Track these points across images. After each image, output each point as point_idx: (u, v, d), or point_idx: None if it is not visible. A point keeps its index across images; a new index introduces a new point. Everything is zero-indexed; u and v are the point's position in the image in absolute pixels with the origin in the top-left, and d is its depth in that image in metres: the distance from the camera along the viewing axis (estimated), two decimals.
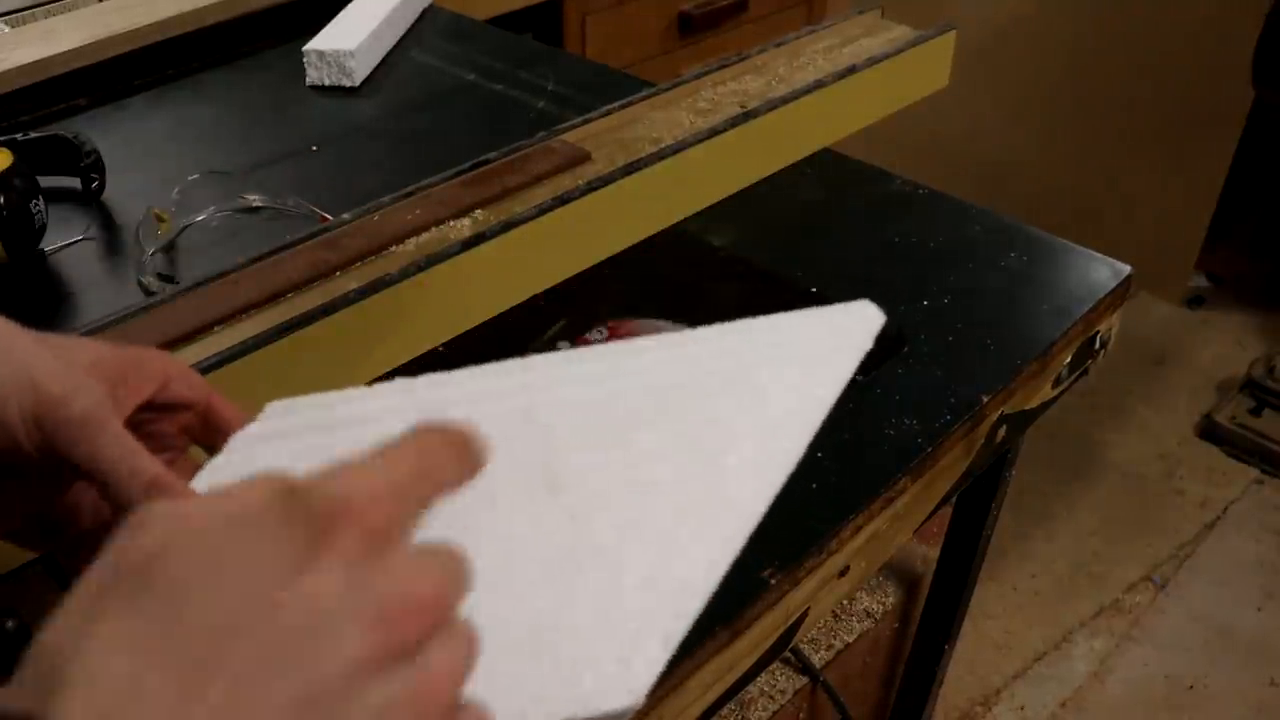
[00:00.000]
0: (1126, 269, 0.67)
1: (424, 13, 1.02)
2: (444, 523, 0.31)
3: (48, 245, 0.69)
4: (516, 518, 0.33)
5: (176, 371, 0.37)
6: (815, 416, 0.35)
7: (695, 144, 0.67)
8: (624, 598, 0.30)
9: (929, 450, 0.53)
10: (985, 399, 0.56)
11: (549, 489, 0.34)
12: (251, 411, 0.40)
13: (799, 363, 0.37)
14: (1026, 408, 0.61)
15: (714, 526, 0.32)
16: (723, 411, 0.35)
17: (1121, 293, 0.66)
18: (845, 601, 0.82)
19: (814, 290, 0.64)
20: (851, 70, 0.75)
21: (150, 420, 0.38)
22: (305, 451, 0.36)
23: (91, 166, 0.73)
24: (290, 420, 0.38)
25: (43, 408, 0.33)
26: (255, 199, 0.72)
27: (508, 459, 0.34)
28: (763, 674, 0.76)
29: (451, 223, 0.62)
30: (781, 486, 0.33)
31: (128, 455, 0.33)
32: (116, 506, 0.33)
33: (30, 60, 0.82)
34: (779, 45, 0.81)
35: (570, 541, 0.32)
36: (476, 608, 0.29)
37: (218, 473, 0.37)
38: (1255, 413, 1.68)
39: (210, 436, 0.39)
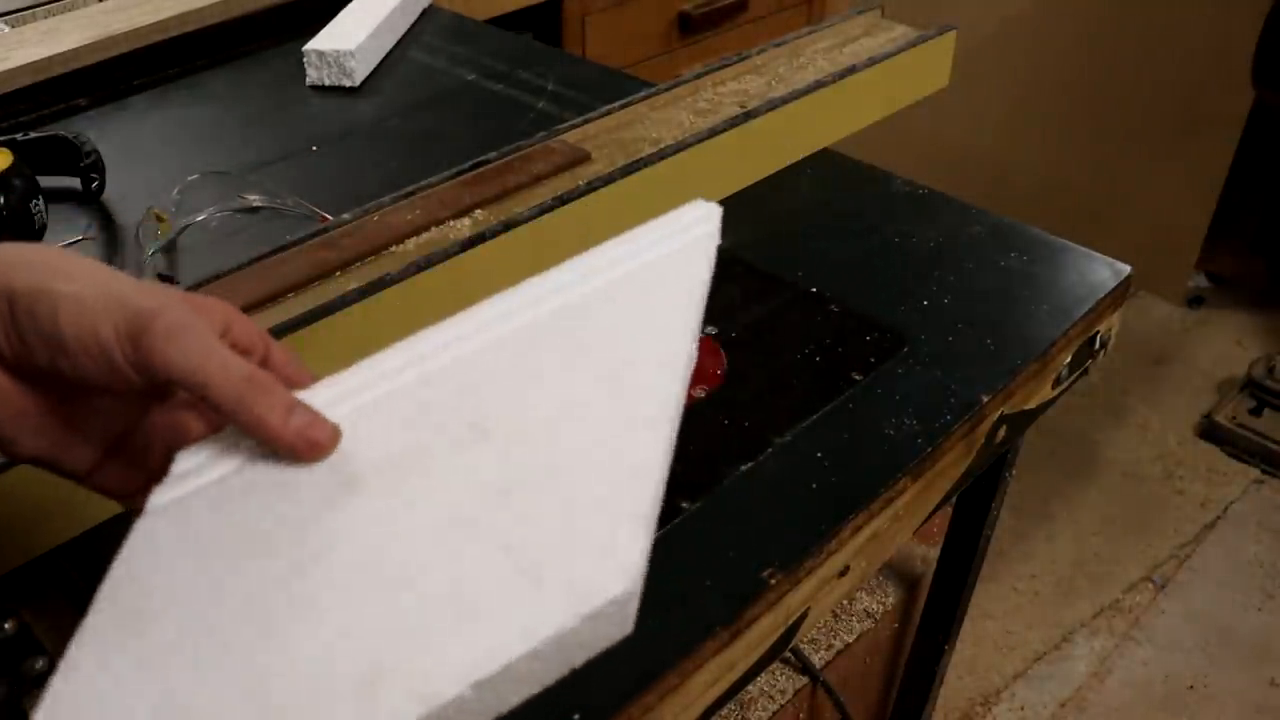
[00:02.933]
0: (1126, 269, 0.67)
1: (424, 13, 1.02)
2: (385, 487, 0.34)
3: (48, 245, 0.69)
4: (455, 469, 0.34)
5: (238, 317, 0.38)
6: (694, 310, 0.38)
7: (695, 144, 0.67)
8: (584, 500, 0.31)
9: (929, 450, 0.53)
10: (985, 399, 0.57)
11: (477, 437, 0.35)
12: None
13: (661, 267, 0.40)
14: (1026, 408, 0.61)
15: (644, 417, 0.34)
16: (610, 321, 0.38)
17: (1121, 293, 0.66)
18: (845, 601, 0.82)
19: (814, 290, 0.64)
20: (851, 70, 0.75)
21: None
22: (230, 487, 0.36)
23: (91, 166, 0.73)
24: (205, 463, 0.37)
25: (136, 322, 0.33)
26: (255, 199, 0.73)
27: (431, 422, 0.36)
28: (763, 674, 0.76)
29: (451, 223, 0.62)
30: (688, 372, 0.36)
31: (220, 354, 0.34)
32: (216, 409, 0.34)
33: (31, 60, 0.82)
34: (779, 45, 0.81)
35: (513, 473, 0.33)
36: (447, 553, 0.31)
37: None
38: (1255, 413, 1.68)
39: None
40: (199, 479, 0.36)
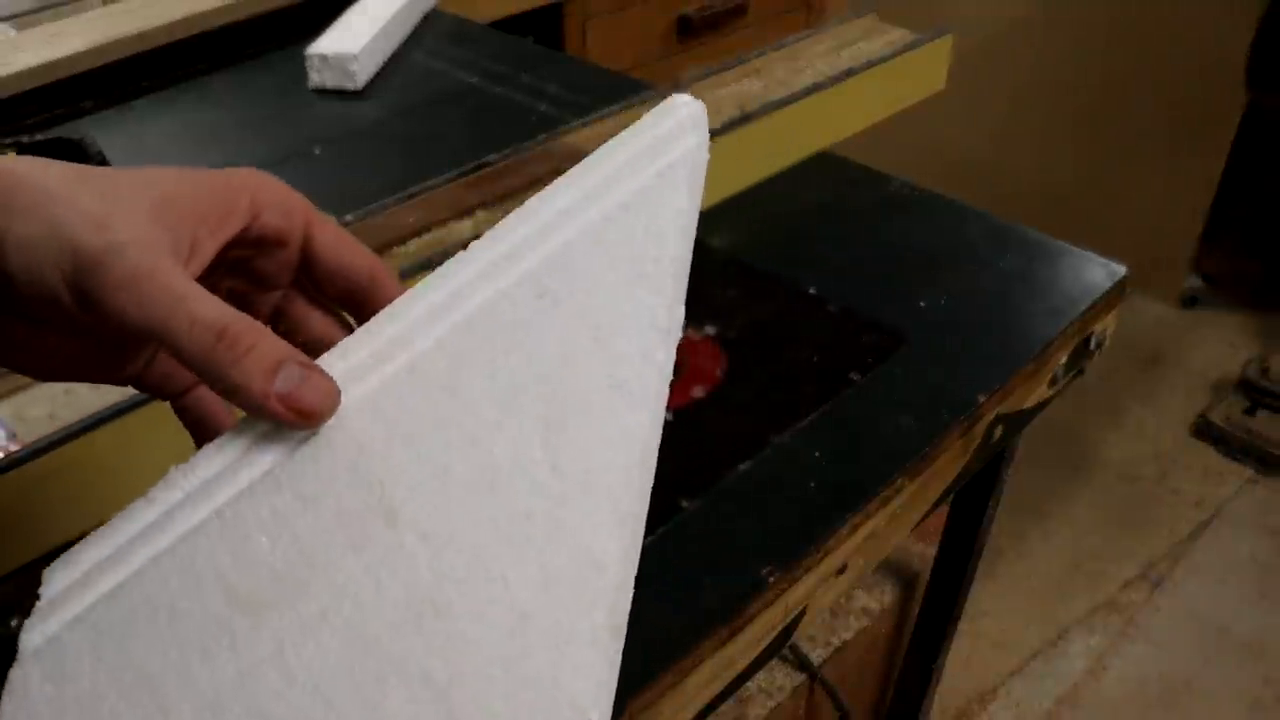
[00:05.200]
0: (1122, 270, 0.67)
1: (426, 16, 1.03)
2: (285, 609, 0.27)
3: None
4: (368, 576, 0.27)
5: (269, 199, 0.31)
6: (671, 290, 0.29)
7: None
8: (527, 619, 0.25)
9: (926, 450, 0.54)
10: (982, 399, 0.57)
11: (386, 522, 0.27)
12: None
13: (625, 220, 0.30)
14: (1023, 408, 0.62)
15: (605, 485, 0.26)
16: (559, 323, 0.29)
17: (1117, 293, 0.67)
18: (843, 599, 0.83)
19: (812, 291, 0.65)
20: (849, 74, 0.76)
21: (249, 258, 0.32)
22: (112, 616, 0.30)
23: None
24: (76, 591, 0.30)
25: (79, 267, 0.27)
26: None
27: (331, 505, 0.28)
28: (761, 671, 0.77)
29: (453, 224, 0.62)
30: (665, 398, 0.27)
31: (185, 304, 0.28)
32: (189, 365, 0.28)
33: (37, 63, 0.82)
34: (778, 49, 0.82)
35: (433, 578, 0.26)
36: (364, 703, 0.25)
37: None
38: (1249, 412, 1.69)
39: (314, 273, 0.32)
40: (75, 604, 0.29)
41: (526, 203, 0.31)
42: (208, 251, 0.30)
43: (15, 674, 0.29)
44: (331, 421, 0.29)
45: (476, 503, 0.27)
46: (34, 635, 0.29)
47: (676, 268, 0.29)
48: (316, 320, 0.34)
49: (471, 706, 0.24)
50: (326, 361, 0.30)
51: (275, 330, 0.29)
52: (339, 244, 0.32)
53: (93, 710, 0.27)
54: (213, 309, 0.28)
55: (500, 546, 0.26)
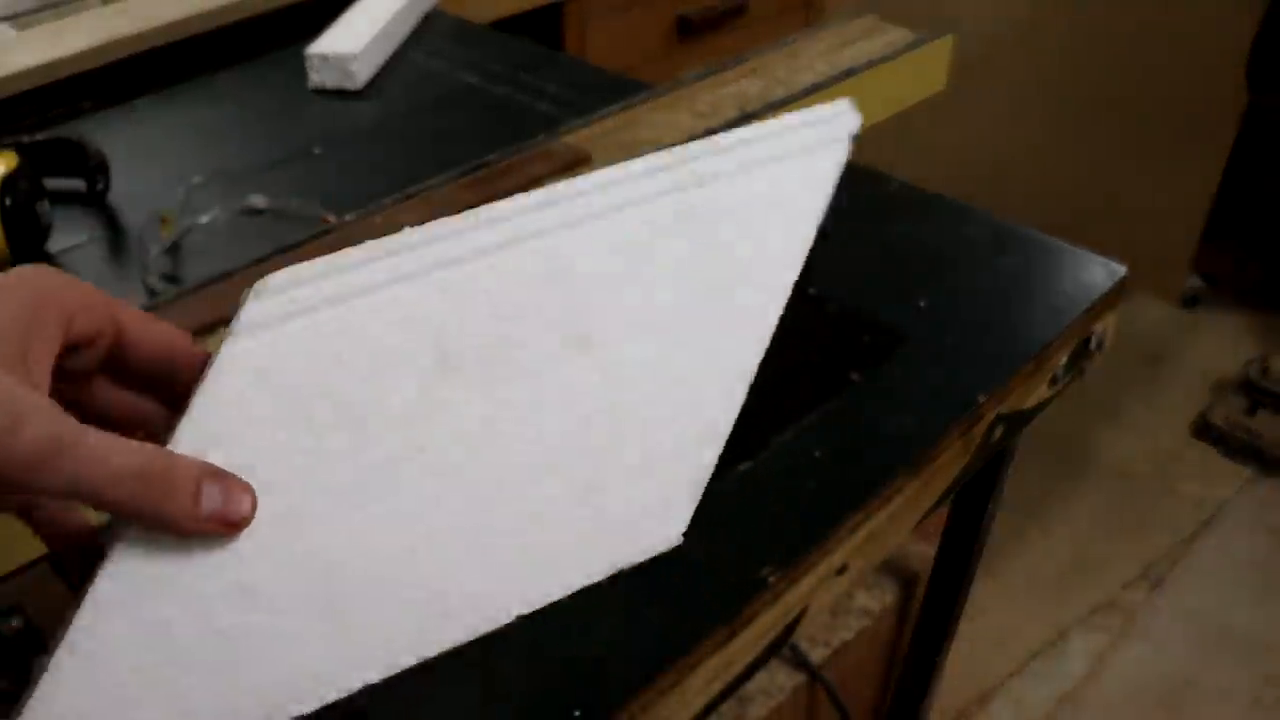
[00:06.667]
0: (1122, 270, 0.67)
1: (426, 16, 1.03)
2: (483, 379, 0.33)
3: (53, 246, 0.69)
4: (552, 379, 0.34)
5: (76, 305, 0.31)
6: (807, 231, 0.38)
7: None
8: (654, 452, 0.33)
9: (926, 450, 0.54)
10: (982, 399, 0.57)
11: (579, 347, 0.34)
12: None
13: (785, 173, 0.39)
14: (1023, 408, 0.62)
15: (728, 366, 0.35)
16: (724, 237, 0.37)
17: (1117, 293, 0.67)
18: (844, 599, 0.83)
19: (812, 290, 0.65)
20: (849, 73, 0.76)
21: (65, 356, 0.32)
22: (325, 328, 0.33)
23: (97, 169, 0.73)
24: (297, 293, 0.34)
25: None
26: (259, 201, 0.73)
27: (538, 316, 0.34)
28: (762, 671, 0.77)
29: None
30: (780, 314, 0.36)
31: (101, 459, 0.28)
32: (115, 513, 0.30)
33: (36, 63, 0.83)
34: (778, 48, 0.82)
35: (602, 401, 0.34)
36: (527, 463, 0.32)
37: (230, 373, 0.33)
38: (1249, 412, 1.69)
39: (126, 365, 0.33)
40: (288, 310, 0.33)
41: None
42: (44, 370, 0.30)
43: (228, 348, 0.32)
44: (546, 248, 0.35)
45: (642, 357, 0.34)
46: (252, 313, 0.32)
47: (808, 237, 0.38)
48: (125, 399, 0.35)
49: (604, 510, 0.32)
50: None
51: (84, 417, 0.29)
52: (149, 335, 0.33)
53: (298, 412, 0.32)
54: (123, 455, 0.29)
55: (649, 402, 0.34)
